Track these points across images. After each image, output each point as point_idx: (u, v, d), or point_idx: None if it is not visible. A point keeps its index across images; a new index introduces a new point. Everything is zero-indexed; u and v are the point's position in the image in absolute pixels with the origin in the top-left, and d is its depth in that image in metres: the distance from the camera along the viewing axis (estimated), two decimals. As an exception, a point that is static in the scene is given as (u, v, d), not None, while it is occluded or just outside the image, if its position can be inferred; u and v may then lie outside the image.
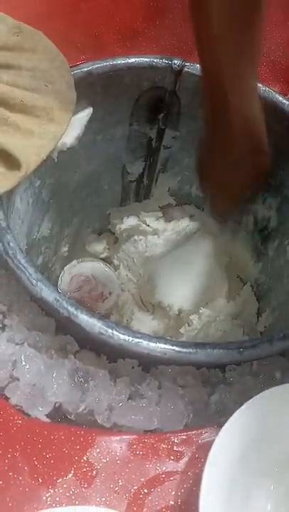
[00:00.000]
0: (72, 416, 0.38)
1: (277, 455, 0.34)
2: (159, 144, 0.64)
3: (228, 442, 0.32)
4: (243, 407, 0.32)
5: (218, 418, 0.38)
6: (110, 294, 0.72)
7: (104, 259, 0.76)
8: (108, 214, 0.74)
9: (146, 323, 0.73)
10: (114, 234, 0.75)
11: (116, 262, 0.76)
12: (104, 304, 0.72)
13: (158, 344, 0.36)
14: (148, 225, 0.72)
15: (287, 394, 0.33)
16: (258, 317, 0.67)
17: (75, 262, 0.73)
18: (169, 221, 0.71)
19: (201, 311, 0.68)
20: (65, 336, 0.41)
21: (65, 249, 0.71)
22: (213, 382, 0.40)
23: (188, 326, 0.68)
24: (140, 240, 0.74)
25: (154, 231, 0.72)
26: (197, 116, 0.60)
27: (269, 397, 0.33)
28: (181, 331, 0.68)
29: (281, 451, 0.34)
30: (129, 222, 0.73)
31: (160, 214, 0.72)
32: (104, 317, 0.70)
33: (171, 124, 0.61)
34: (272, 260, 0.64)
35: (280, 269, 0.62)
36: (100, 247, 0.76)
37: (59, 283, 0.71)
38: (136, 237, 0.74)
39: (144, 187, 0.71)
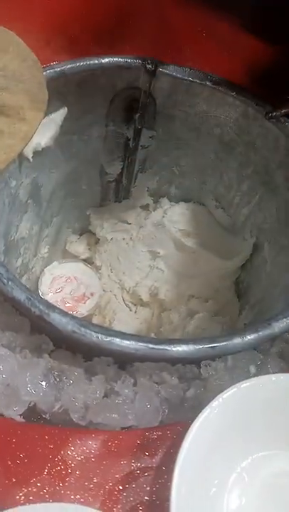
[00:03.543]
0: (48, 415, 0.38)
1: (250, 447, 0.34)
2: (136, 143, 0.64)
3: (201, 435, 0.32)
4: (214, 400, 0.32)
5: (193, 413, 0.38)
6: (92, 294, 0.72)
7: (85, 260, 0.76)
8: (88, 214, 0.74)
9: (128, 323, 0.74)
10: (95, 234, 0.76)
11: (98, 262, 0.76)
12: (86, 304, 0.72)
13: (130, 341, 0.36)
14: (129, 223, 0.73)
15: (259, 386, 0.34)
16: (239, 315, 0.67)
17: (55, 263, 0.73)
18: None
19: (181, 309, 0.68)
20: (40, 335, 0.41)
21: (45, 250, 0.71)
22: (189, 378, 0.41)
23: (169, 324, 0.68)
24: (123, 239, 0.74)
25: (138, 225, 0.72)
26: (173, 115, 0.60)
27: (240, 390, 0.33)
28: (162, 329, 0.68)
29: (253, 443, 0.34)
30: (110, 224, 0.73)
31: (139, 210, 0.72)
32: (86, 318, 0.71)
33: (147, 124, 0.61)
34: (250, 258, 0.65)
35: (258, 267, 0.62)
36: (80, 247, 0.76)
37: (39, 284, 0.71)
38: (118, 237, 0.74)
39: (123, 187, 0.71)
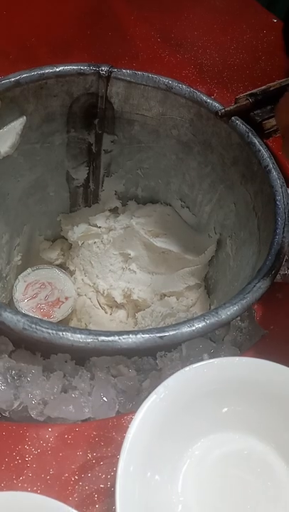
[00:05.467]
0: (7, 413, 0.39)
1: (200, 430, 0.35)
2: (98, 148, 0.66)
3: (148, 421, 0.33)
4: (160, 386, 0.34)
5: (149, 403, 0.39)
6: (67, 299, 0.73)
7: (59, 265, 0.77)
8: (59, 220, 0.75)
9: (104, 325, 0.75)
10: (67, 240, 0.77)
11: (71, 267, 0.77)
12: (61, 309, 0.73)
13: (81, 335, 0.37)
14: (99, 227, 0.74)
15: (203, 370, 0.35)
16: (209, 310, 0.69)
17: (29, 269, 0.74)
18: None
19: (154, 308, 0.70)
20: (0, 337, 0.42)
21: (18, 258, 0.72)
22: (146, 369, 0.42)
23: (143, 324, 0.69)
24: (94, 243, 0.76)
25: (108, 228, 0.73)
26: (132, 119, 0.62)
27: (184, 374, 0.34)
28: (136, 328, 0.69)
29: (203, 426, 0.35)
30: (80, 229, 0.74)
31: (108, 213, 0.74)
32: (62, 322, 0.72)
33: (107, 129, 0.63)
34: (216, 255, 0.66)
35: (223, 263, 0.64)
36: (54, 253, 0.77)
37: (14, 291, 0.72)
38: (89, 241, 0.76)
39: (91, 192, 0.73)
